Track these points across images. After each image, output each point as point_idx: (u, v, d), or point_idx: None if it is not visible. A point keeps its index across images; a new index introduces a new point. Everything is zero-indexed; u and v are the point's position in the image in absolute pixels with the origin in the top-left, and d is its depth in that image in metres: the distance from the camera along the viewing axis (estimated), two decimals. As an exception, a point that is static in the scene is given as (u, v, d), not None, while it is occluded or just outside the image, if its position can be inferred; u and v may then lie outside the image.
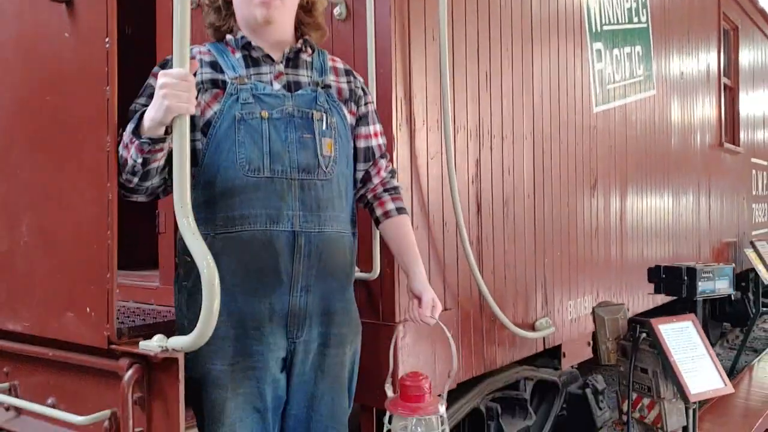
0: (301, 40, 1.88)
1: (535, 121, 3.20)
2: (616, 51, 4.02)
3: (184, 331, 1.67)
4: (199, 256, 1.49)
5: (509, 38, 3.01)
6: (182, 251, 1.81)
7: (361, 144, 1.96)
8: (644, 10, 4.44)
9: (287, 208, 1.74)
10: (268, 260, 1.73)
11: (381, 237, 2.10)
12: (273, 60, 1.83)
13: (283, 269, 1.74)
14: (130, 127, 1.64)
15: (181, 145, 1.52)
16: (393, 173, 2.05)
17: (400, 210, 2.01)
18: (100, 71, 1.70)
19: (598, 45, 3.81)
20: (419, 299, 1.93)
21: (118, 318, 1.75)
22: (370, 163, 1.99)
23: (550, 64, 3.35)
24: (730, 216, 6.64)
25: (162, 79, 1.54)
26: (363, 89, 1.98)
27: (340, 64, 1.97)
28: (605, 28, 3.88)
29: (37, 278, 1.89)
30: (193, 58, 1.73)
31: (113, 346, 1.69)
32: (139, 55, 2.68)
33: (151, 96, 1.73)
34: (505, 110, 2.97)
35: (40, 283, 1.88)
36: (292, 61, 1.86)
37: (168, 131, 1.60)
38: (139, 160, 1.63)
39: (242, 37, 1.83)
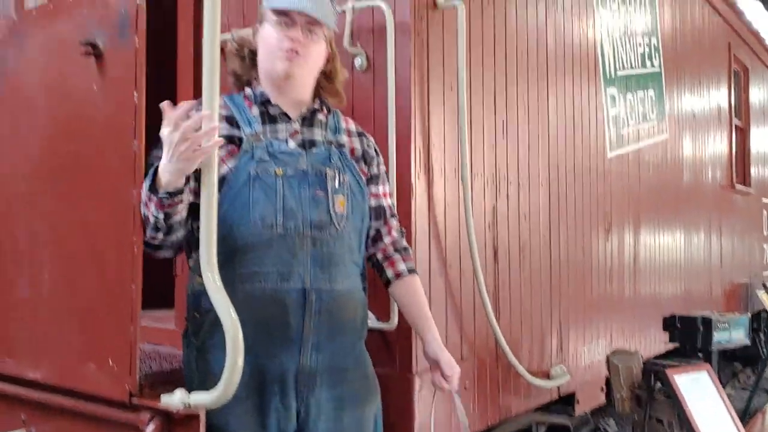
0: (317, 100, 1.91)
1: (551, 167, 3.22)
2: (629, 96, 4.05)
3: (193, 387, 1.66)
4: (224, 311, 1.50)
5: (525, 86, 3.04)
6: (191, 307, 1.80)
7: (372, 202, 1.97)
8: (657, 54, 4.48)
9: (298, 265, 1.74)
10: (279, 318, 1.73)
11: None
12: (289, 118, 1.85)
13: (294, 327, 1.74)
14: (146, 184, 1.62)
15: (208, 203, 1.53)
16: (403, 233, 2.06)
17: (411, 271, 2.01)
18: (127, 125, 1.71)
19: (612, 90, 3.84)
20: (437, 362, 1.94)
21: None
22: (381, 221, 2.00)
23: (565, 111, 3.37)
24: (741, 257, 6.62)
25: (169, 129, 1.51)
26: (375, 150, 2.00)
27: (352, 126, 1.99)
28: (619, 73, 3.92)
29: (58, 327, 1.90)
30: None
31: (134, 400, 1.69)
32: (158, 85, 2.71)
33: None
34: (521, 157, 2.99)
35: (61, 332, 1.89)
36: (308, 119, 1.88)
37: (187, 181, 1.61)
38: (161, 216, 1.63)
39: (261, 93, 1.85)
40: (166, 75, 2.79)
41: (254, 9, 2.67)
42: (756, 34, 7.27)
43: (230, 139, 1.77)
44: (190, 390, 1.61)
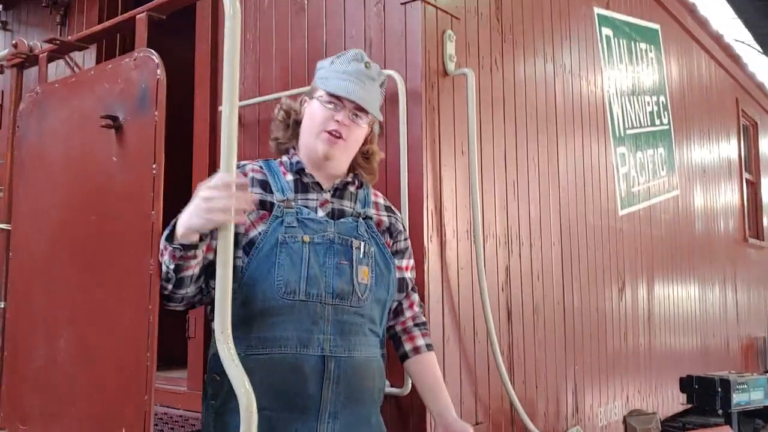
0: (351, 174, 1.95)
1: (563, 226, 3.23)
2: (639, 154, 4.08)
3: None
4: (238, 383, 1.49)
5: (535, 147, 3.08)
6: (211, 370, 1.81)
7: (396, 275, 1.99)
8: (665, 113, 4.52)
9: (319, 332, 1.75)
10: (297, 385, 1.73)
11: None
12: (322, 188, 1.89)
13: (312, 395, 1.74)
14: (165, 233, 1.66)
15: (224, 275, 1.53)
16: (422, 308, 2.08)
17: (430, 347, 2.02)
18: (146, 196, 1.74)
19: (622, 149, 3.87)
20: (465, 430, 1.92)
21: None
22: (403, 295, 2.02)
23: (575, 171, 3.40)
24: (757, 310, 6.55)
25: (205, 192, 1.53)
26: (403, 225, 2.04)
27: (381, 200, 2.03)
28: (628, 132, 3.95)
29: (72, 395, 1.89)
30: (245, 174, 1.81)
31: (148, 471, 1.67)
32: (173, 154, 2.75)
33: None
34: (533, 217, 3.01)
35: (75, 400, 1.88)
36: (339, 191, 1.92)
37: (201, 238, 1.63)
38: (171, 266, 1.65)
39: (297, 162, 1.90)
40: (181, 144, 2.85)
41: (269, 78, 2.75)
42: (761, 87, 7.34)
43: (262, 205, 1.82)
44: None
